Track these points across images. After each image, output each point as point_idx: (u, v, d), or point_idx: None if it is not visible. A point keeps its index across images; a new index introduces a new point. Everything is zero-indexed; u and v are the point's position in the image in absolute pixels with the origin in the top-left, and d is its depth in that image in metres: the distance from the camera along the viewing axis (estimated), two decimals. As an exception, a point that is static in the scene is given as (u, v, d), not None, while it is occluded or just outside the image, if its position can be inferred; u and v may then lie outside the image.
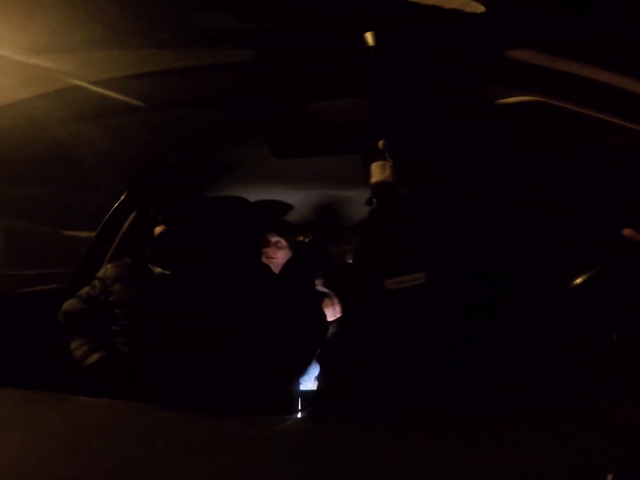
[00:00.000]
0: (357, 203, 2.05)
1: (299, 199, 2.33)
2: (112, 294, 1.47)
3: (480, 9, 0.75)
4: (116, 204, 1.91)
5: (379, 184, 0.92)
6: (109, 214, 1.92)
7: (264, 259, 1.97)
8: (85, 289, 1.51)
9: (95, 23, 0.81)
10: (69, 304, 1.49)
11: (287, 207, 2.37)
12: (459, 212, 1.14)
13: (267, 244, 2.02)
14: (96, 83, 0.95)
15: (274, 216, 2.29)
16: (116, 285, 1.48)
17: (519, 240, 0.96)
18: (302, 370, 1.43)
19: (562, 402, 0.75)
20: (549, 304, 0.89)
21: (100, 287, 1.49)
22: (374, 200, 0.95)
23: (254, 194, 1.88)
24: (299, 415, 1.53)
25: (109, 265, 1.57)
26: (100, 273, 1.54)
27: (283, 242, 2.05)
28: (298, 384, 1.73)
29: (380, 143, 0.89)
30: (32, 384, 0.64)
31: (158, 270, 1.37)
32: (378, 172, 0.92)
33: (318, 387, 1.18)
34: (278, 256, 2.02)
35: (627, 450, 0.50)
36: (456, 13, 0.70)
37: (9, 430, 0.56)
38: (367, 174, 1.06)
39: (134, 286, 1.46)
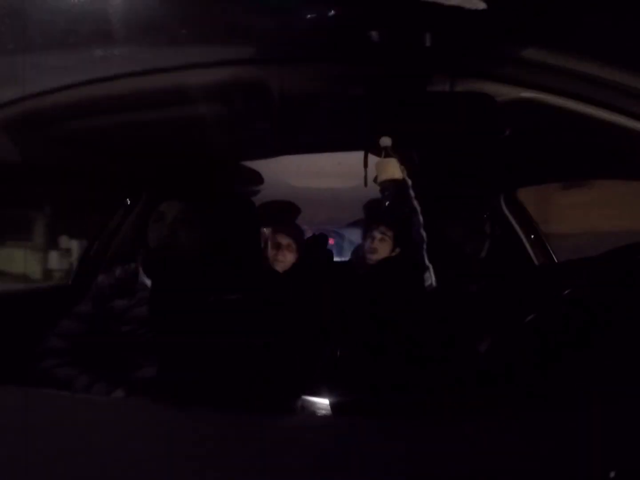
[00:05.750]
0: (356, 198, 2.06)
1: (300, 195, 2.34)
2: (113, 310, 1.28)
3: (481, 5, 0.75)
4: (117, 202, 1.91)
5: (388, 182, 0.91)
6: (109, 212, 1.92)
7: (273, 259, 1.99)
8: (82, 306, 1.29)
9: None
10: (65, 326, 1.27)
11: (297, 210, 2.34)
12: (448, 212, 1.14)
13: (279, 246, 2.00)
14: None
15: (284, 218, 2.25)
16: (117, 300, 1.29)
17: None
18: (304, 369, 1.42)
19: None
20: None
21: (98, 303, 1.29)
22: (386, 197, 0.94)
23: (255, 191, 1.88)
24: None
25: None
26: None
27: (294, 245, 2.03)
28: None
29: (384, 140, 0.88)
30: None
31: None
32: (385, 169, 0.91)
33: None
34: (287, 259, 2.00)
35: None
36: (457, 10, 0.69)
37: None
38: (367, 169, 1.06)
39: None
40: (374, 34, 0.73)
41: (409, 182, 0.88)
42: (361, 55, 0.79)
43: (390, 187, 0.91)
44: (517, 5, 0.74)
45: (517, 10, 0.74)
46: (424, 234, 0.94)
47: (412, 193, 0.89)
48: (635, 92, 0.83)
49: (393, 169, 0.89)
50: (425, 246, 0.95)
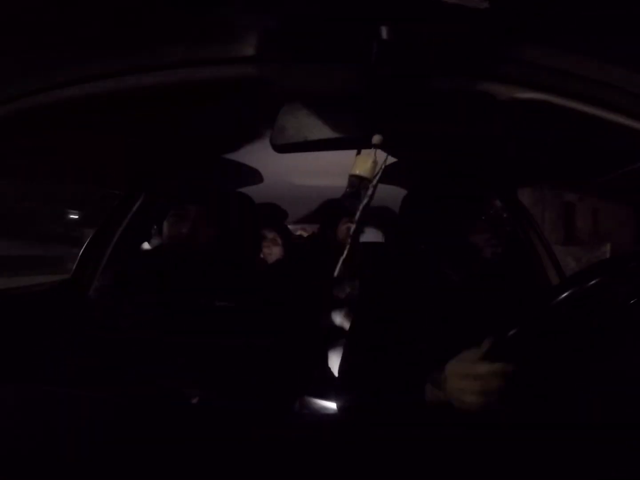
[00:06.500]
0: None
1: (301, 193, 2.36)
2: None
3: (484, 4, 0.74)
4: (118, 198, 1.92)
5: (355, 177, 0.87)
6: (111, 208, 1.92)
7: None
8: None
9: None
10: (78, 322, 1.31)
11: (283, 212, 2.65)
12: (448, 212, 1.13)
13: (265, 238, 2.27)
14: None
15: (272, 216, 2.49)
16: None
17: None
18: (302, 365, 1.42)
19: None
20: None
21: None
22: (347, 190, 0.91)
23: (253, 190, 1.89)
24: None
25: None
26: None
27: (279, 239, 2.33)
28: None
29: (375, 137, 0.86)
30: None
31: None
32: (358, 164, 0.87)
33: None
34: (273, 251, 2.30)
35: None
36: (457, 8, 0.69)
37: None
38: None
39: None
40: (374, 33, 0.73)
41: (370, 190, 0.84)
42: (361, 54, 0.79)
43: (355, 184, 0.88)
44: (517, 5, 0.74)
45: (517, 10, 0.74)
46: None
47: (365, 200, 0.85)
48: (636, 91, 0.82)
49: (365, 166, 0.86)
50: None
